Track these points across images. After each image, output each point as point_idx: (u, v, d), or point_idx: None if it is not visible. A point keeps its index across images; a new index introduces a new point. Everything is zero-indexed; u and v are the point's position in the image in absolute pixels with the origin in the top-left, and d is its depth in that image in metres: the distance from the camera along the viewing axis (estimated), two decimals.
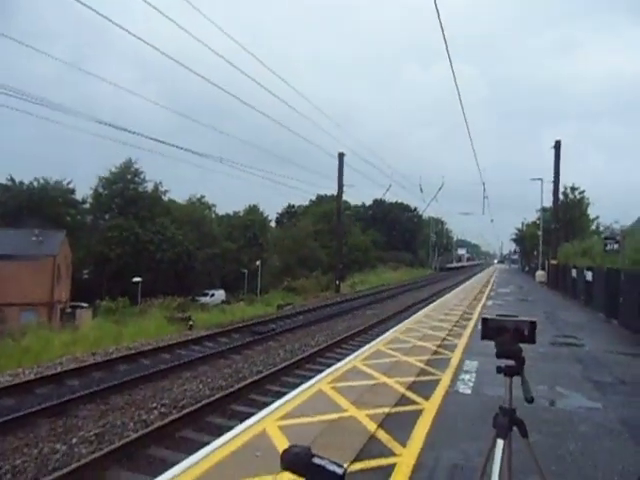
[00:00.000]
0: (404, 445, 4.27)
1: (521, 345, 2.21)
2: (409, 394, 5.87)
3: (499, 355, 2.20)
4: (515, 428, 2.23)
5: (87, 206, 57.93)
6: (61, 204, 52.75)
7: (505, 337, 2.19)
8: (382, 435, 4.50)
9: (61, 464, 5.74)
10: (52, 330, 17.69)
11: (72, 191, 56.62)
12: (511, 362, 2.19)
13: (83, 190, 58.32)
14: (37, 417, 7.22)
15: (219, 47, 14.87)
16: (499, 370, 2.23)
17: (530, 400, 2.10)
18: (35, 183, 53.89)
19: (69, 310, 36.25)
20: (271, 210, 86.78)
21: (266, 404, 6.40)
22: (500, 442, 2.14)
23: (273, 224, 79.62)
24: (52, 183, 54.55)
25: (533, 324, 2.22)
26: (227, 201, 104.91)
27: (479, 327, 2.34)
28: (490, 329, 2.26)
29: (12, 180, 53.32)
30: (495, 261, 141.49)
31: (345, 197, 40.65)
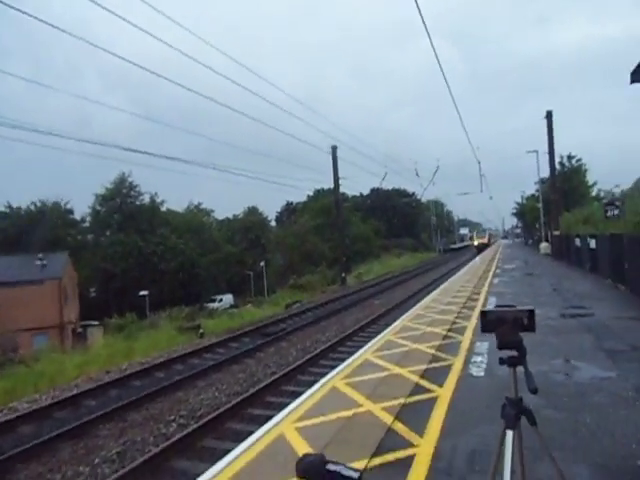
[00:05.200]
0: (421, 435, 4.29)
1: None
2: (423, 382, 5.88)
3: (500, 347, 2.21)
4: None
5: (87, 224, 58.03)
6: (61, 225, 52.85)
7: (505, 328, 2.19)
8: (399, 427, 4.52)
9: None
10: (65, 352, 17.78)
11: (70, 211, 56.72)
12: (513, 352, 2.19)
13: (81, 209, 58.38)
14: (58, 441, 7.28)
15: (187, 47, 14.56)
16: (502, 362, 2.22)
17: (534, 391, 2.08)
18: (32, 207, 53.96)
19: (80, 330, 36.42)
20: (270, 210, 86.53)
21: (282, 405, 6.43)
22: (509, 433, 2.14)
23: (273, 223, 79.68)
24: (49, 205, 54.56)
25: (532, 312, 2.21)
26: (225, 206, 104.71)
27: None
28: (489, 321, 2.27)
29: (10, 206, 53.42)
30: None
31: (342, 189, 40.56)
